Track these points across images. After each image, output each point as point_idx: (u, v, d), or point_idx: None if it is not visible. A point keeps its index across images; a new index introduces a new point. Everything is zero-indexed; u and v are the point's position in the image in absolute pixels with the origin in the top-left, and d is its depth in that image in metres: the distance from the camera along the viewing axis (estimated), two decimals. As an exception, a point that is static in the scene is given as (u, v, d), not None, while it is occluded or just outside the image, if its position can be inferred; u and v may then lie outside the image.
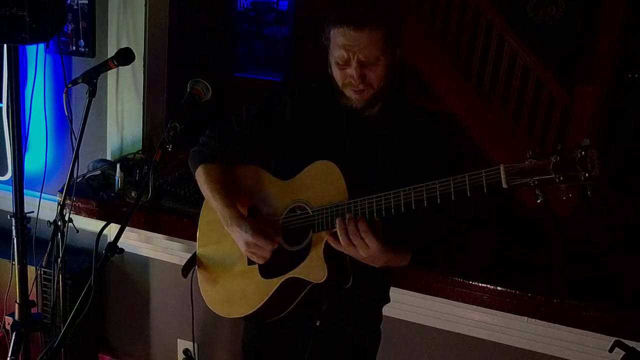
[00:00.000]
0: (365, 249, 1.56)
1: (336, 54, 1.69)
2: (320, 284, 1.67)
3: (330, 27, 1.70)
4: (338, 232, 1.58)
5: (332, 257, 1.66)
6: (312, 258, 1.70)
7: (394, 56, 1.73)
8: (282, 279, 1.75)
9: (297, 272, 1.72)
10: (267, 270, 1.80)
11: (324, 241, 1.66)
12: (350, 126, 1.80)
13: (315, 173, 1.74)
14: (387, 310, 2.44)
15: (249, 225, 1.76)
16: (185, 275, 2.07)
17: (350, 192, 1.64)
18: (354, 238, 1.55)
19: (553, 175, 1.29)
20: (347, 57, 1.66)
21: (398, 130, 1.78)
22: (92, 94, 2.33)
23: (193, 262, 2.07)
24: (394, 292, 2.42)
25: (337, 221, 1.58)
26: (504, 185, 1.35)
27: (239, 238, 1.79)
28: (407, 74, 5.98)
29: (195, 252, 2.06)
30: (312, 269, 1.69)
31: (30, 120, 3.03)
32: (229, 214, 1.82)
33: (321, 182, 1.71)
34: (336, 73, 1.73)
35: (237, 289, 1.90)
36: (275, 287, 1.76)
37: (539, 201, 1.32)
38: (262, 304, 1.79)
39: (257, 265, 1.82)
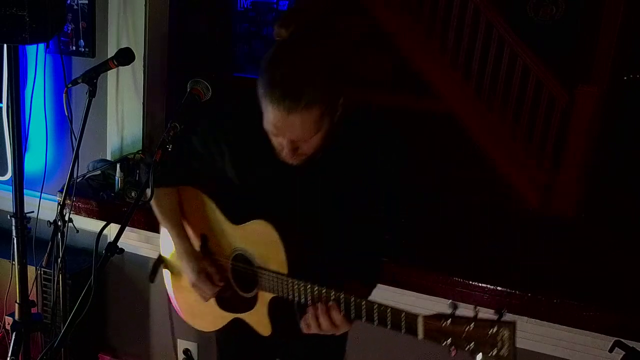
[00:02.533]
0: (335, 330, 1.55)
1: (265, 123, 1.47)
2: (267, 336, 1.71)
3: (260, 90, 1.43)
4: (310, 319, 1.55)
5: (277, 315, 1.69)
6: (257, 312, 1.72)
7: (334, 118, 1.50)
8: (234, 316, 1.79)
9: (246, 318, 1.76)
10: (223, 303, 1.83)
11: (268, 303, 1.68)
12: (293, 173, 1.64)
13: (258, 232, 1.68)
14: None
15: (195, 266, 1.78)
16: (152, 280, 2.06)
17: (290, 265, 1.60)
18: (326, 326, 1.53)
19: (465, 343, 1.30)
20: (277, 133, 1.47)
21: (346, 161, 1.64)
22: (92, 94, 2.33)
23: (158, 264, 2.06)
24: (394, 293, 2.42)
25: (309, 310, 1.54)
26: (420, 337, 1.37)
27: (186, 273, 1.82)
28: (407, 74, 6.00)
29: (160, 255, 2.04)
30: (258, 323, 1.72)
31: (30, 120, 3.03)
32: (180, 247, 1.83)
33: (263, 243, 1.67)
34: (269, 132, 1.51)
35: (197, 307, 1.92)
36: (228, 321, 1.81)
37: (452, 355, 1.33)
38: (218, 329, 1.87)
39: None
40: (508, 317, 1.29)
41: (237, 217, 1.75)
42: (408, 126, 6.30)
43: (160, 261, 2.04)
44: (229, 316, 1.80)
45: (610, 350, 1.92)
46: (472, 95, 5.76)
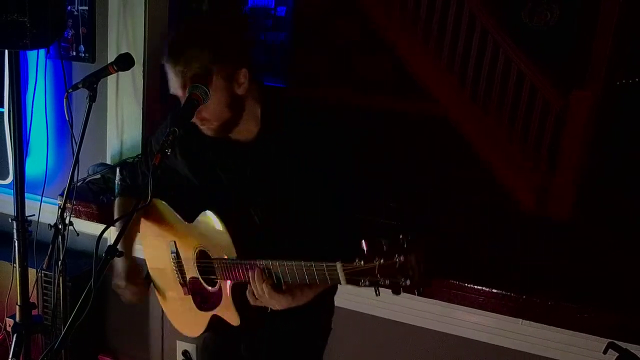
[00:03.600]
0: (272, 304, 1.59)
1: None
2: (239, 326, 1.72)
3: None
4: (247, 293, 1.61)
5: (242, 302, 1.70)
6: (225, 303, 1.75)
7: (230, 88, 1.61)
8: (211, 314, 1.81)
9: (219, 312, 1.79)
10: (200, 303, 1.87)
11: (230, 291, 1.71)
12: (232, 158, 1.75)
13: (206, 223, 1.74)
14: (383, 312, 2.47)
15: (119, 268, 1.87)
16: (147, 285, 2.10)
17: (237, 247, 1.64)
18: (260, 299, 1.58)
19: (379, 279, 1.27)
20: (174, 94, 1.62)
21: (284, 150, 1.69)
22: (92, 98, 2.33)
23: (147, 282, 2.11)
24: (388, 294, 2.44)
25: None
26: (342, 283, 1.36)
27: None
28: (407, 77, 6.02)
29: (147, 273, 2.09)
30: (228, 313, 1.75)
31: (31, 125, 3.04)
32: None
33: (212, 233, 1.72)
34: None
35: (180, 314, 1.97)
36: (208, 321, 1.83)
37: (377, 295, 1.29)
38: (201, 332, 1.88)
39: (191, 297, 1.88)
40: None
41: (191, 216, 1.80)
42: (408, 127, 6.32)
43: (149, 279, 2.09)
44: (207, 315, 1.82)
45: (604, 352, 1.93)
46: (468, 100, 5.78)
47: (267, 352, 1.91)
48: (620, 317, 2.13)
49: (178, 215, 1.86)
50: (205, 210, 1.72)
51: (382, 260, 1.26)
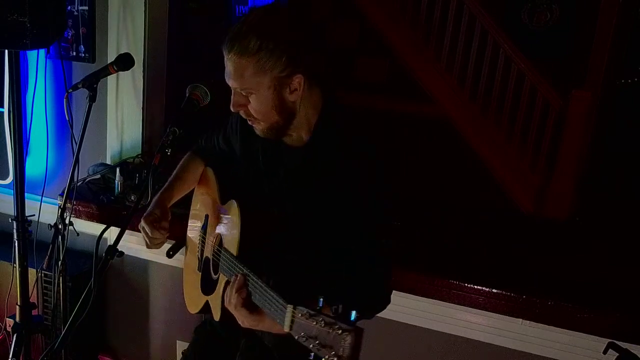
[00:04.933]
0: (238, 317, 1.50)
1: None
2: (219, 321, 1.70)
3: None
4: (225, 294, 1.56)
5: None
6: (216, 294, 1.73)
7: (279, 91, 1.52)
8: (206, 298, 1.80)
9: (210, 300, 1.77)
10: (203, 285, 1.85)
11: (223, 286, 1.66)
12: (274, 155, 1.71)
13: (228, 211, 1.71)
14: (383, 312, 2.46)
15: (152, 209, 1.82)
16: (169, 256, 2.11)
17: (241, 245, 1.59)
18: (228, 306, 1.52)
19: (312, 340, 1.20)
20: (226, 81, 1.57)
21: (327, 162, 1.59)
22: (92, 98, 2.34)
23: (182, 244, 2.10)
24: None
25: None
26: (286, 329, 1.28)
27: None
28: (407, 80, 6.03)
29: (186, 236, 2.09)
30: (215, 306, 1.73)
31: (32, 124, 3.05)
32: (158, 196, 1.88)
33: (230, 223, 1.69)
34: None
35: (189, 286, 1.98)
36: (202, 305, 1.82)
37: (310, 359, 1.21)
38: (196, 312, 1.87)
39: (200, 275, 1.88)
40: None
41: (225, 198, 1.79)
42: (407, 128, 6.30)
43: (184, 242, 2.07)
44: (203, 299, 1.81)
45: (604, 352, 1.93)
46: (468, 101, 5.79)
47: None
48: (620, 317, 2.13)
49: (218, 193, 1.86)
50: (235, 198, 1.69)
51: (322, 323, 1.19)
